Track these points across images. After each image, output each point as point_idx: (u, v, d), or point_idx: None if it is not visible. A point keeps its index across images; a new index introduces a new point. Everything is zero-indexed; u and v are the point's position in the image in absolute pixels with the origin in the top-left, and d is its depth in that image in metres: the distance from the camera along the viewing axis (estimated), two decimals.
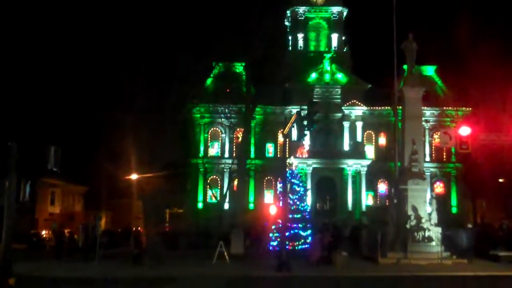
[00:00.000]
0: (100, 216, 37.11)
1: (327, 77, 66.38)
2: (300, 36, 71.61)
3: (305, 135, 32.33)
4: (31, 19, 58.34)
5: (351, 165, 63.79)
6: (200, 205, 62.83)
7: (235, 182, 53.06)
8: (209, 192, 60.40)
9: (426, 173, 40.80)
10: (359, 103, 65.69)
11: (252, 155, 63.35)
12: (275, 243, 35.82)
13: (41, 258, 36.10)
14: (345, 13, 72.24)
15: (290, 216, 35.06)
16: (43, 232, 55.80)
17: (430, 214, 33.87)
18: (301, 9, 71.75)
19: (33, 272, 27.12)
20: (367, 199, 65.00)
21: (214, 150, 66.20)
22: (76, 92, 40.30)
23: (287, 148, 34.61)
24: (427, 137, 62.65)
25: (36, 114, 57.65)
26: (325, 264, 30.18)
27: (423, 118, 46.33)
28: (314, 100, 60.57)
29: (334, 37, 71.49)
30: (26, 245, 49.08)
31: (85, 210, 76.25)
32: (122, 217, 74.53)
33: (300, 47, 71.78)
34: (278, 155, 63.49)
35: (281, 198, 34.31)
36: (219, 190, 61.98)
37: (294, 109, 55.19)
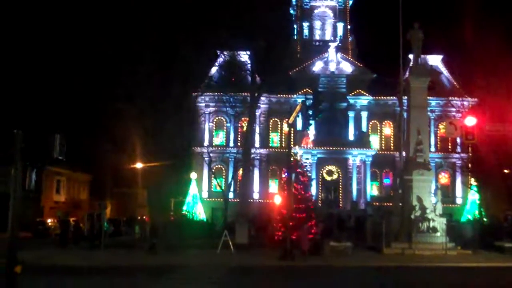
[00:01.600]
0: (105, 204, 37.20)
1: (332, 66, 66.12)
2: (305, 24, 71.34)
3: (310, 124, 32.39)
4: (34, 9, 58.27)
5: (356, 155, 63.66)
6: (204, 194, 62.89)
7: (240, 172, 53.09)
8: (214, 181, 60.46)
9: (431, 164, 40.71)
10: (364, 93, 65.46)
11: (257, 144, 63.26)
12: (279, 233, 35.88)
13: (47, 246, 36.27)
14: (350, 2, 71.91)
15: (295, 206, 35.08)
16: (49, 220, 56.04)
17: (435, 205, 33.86)
18: None
19: (39, 260, 27.24)
20: (371, 190, 64.93)
21: (219, 139, 66.17)
22: (81, 80, 40.29)
23: (292, 137, 34.52)
24: (432, 127, 62.36)
25: (42, 102, 57.69)
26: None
27: (429, 108, 46.16)
28: (319, 89, 60.63)
29: (340, 26, 71.19)
30: (31, 233, 49.31)
31: (90, 198, 76.51)
32: (127, 206, 74.86)
33: (306, 36, 71.52)
34: (283, 145, 63.42)
35: (285, 188, 34.34)
36: (223, 180, 62.01)
37: (299, 99, 55.09)
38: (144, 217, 54.98)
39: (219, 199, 56.97)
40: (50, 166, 66.44)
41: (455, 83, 64.75)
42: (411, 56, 41.27)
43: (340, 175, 64.62)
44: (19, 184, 17.16)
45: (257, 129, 61.98)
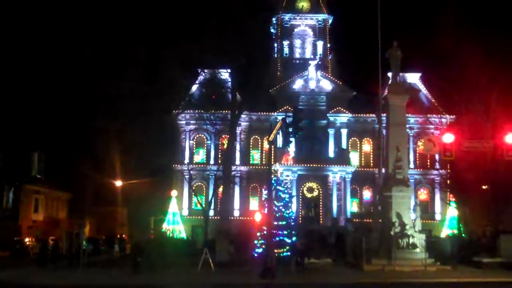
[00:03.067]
0: (84, 223, 36.89)
1: (312, 84, 66.54)
2: (285, 43, 71.76)
3: (291, 142, 32.49)
4: (15, 27, 58.02)
5: (336, 172, 63.89)
6: (185, 212, 62.60)
7: (220, 189, 52.98)
8: (194, 199, 60.25)
9: (410, 180, 41.04)
10: (344, 110, 65.93)
11: (238, 162, 63.29)
12: (260, 250, 35.83)
13: (25, 266, 35.79)
14: (330, 21, 72.51)
15: (275, 223, 35.11)
16: (27, 240, 55.29)
17: (414, 221, 34.06)
18: (287, 17, 71.92)
19: (17, 279, 26.89)
20: (351, 206, 65.09)
21: (199, 157, 66.05)
22: (61, 98, 40.17)
23: (272, 155, 34.63)
24: (411, 144, 62.87)
25: (20, 120, 57.28)
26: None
27: (407, 125, 46.55)
28: (299, 107, 60.84)
29: (320, 44, 71.73)
30: (9, 253, 48.64)
31: (69, 217, 75.64)
32: (106, 225, 74.18)
33: (286, 54, 71.91)
34: (264, 162, 63.53)
35: (266, 205, 34.37)
36: (204, 197, 61.81)
37: (279, 116, 55.22)
38: (123, 235, 54.65)
39: (199, 217, 56.72)
40: (28, 184, 65.77)
41: (433, 100, 65.51)
42: (390, 74, 41.68)
43: (321, 192, 64.77)
44: None
45: (238, 147, 61.99)
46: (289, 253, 34.07)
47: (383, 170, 38.06)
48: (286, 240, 36.67)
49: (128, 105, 39.83)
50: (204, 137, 65.16)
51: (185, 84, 48.28)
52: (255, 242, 37.58)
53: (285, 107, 60.20)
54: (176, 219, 55.74)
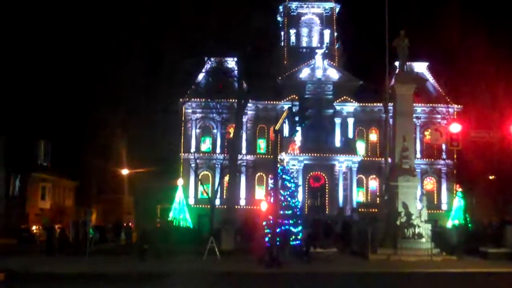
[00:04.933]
0: (91, 211, 36.96)
1: (319, 73, 66.31)
2: (292, 31, 71.53)
3: (297, 131, 32.47)
4: (21, 15, 58.02)
5: (342, 162, 63.80)
6: (191, 201, 62.73)
7: (227, 178, 52.99)
8: (201, 188, 60.31)
9: (416, 170, 41.01)
10: (351, 100, 65.71)
11: (244, 151, 63.27)
12: (266, 239, 35.84)
13: (32, 254, 35.99)
14: (337, 9, 72.17)
15: (281, 212, 35.12)
16: (34, 227, 55.56)
17: (420, 211, 34.02)
18: (294, 5, 71.65)
19: (25, 267, 27.01)
20: (358, 196, 65.04)
21: (205, 146, 66.04)
22: (67, 86, 40.20)
23: (278, 144, 34.58)
24: (418, 133, 62.67)
25: (27, 109, 57.38)
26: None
27: (414, 115, 46.43)
28: (306, 96, 60.87)
29: (326, 33, 71.44)
30: (16, 240, 48.89)
31: (76, 205, 76.01)
32: (113, 213, 74.45)
33: (293, 42, 71.69)
34: (270, 151, 63.46)
35: (272, 194, 34.36)
36: (210, 186, 61.87)
37: (286, 105, 55.11)
38: (130, 223, 54.80)
39: (205, 206, 56.80)
40: (35, 172, 66.04)
41: (440, 90, 65.21)
42: (397, 63, 41.51)
43: (327, 182, 64.71)
44: (2, 191, 17.06)
45: (244, 136, 61.98)
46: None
47: (390, 160, 38.00)
48: (292, 229, 36.68)
49: (134, 94, 39.85)
50: (211, 126, 65.11)
51: (191, 72, 48.20)
52: (261, 231, 37.62)
53: (291, 96, 59.99)
54: (182, 207, 55.81)
